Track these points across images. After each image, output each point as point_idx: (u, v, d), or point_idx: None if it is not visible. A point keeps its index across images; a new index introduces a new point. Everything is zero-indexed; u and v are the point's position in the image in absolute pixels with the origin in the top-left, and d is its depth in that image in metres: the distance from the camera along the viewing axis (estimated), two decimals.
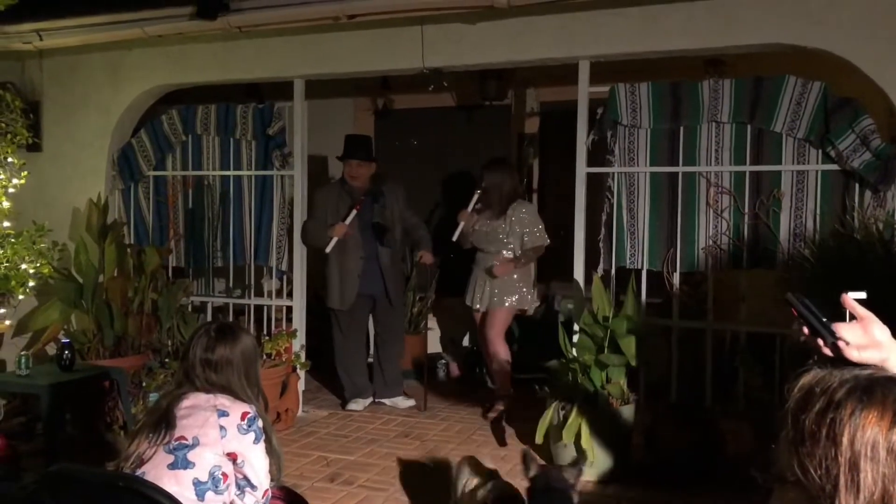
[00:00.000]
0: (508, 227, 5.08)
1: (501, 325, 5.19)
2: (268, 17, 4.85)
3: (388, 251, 5.26)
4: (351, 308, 5.27)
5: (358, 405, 5.35)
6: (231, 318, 5.69)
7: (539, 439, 4.04)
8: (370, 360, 5.69)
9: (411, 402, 5.40)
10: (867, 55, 3.93)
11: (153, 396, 4.44)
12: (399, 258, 5.52)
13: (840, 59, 4.01)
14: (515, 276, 5.12)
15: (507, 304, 5.12)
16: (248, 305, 5.65)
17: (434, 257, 5.45)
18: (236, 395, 2.38)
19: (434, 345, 6.69)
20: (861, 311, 1.38)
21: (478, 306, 5.24)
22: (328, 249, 5.10)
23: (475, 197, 5.14)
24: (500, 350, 5.17)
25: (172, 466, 2.19)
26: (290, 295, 5.46)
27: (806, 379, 1.07)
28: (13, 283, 4.82)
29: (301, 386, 5.29)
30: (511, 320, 5.35)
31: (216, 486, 2.23)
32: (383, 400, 5.45)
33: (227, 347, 2.40)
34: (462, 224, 5.15)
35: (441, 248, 5.85)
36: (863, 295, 2.24)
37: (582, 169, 4.66)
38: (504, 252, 5.10)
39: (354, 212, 5.11)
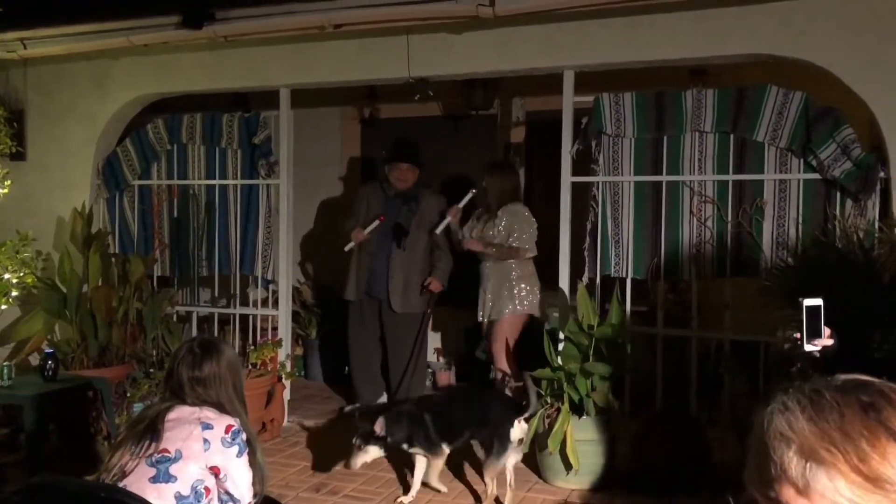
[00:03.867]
0: (495, 234, 5.03)
1: (505, 337, 5.01)
2: (253, 27, 4.86)
3: (402, 254, 5.23)
4: (360, 305, 5.31)
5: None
6: (216, 328, 5.67)
7: (525, 448, 4.05)
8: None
9: None
10: (848, 66, 3.97)
11: (137, 407, 4.42)
12: (417, 268, 5.30)
13: (821, 69, 4.05)
14: (514, 280, 4.99)
15: (506, 313, 4.98)
16: (234, 315, 5.63)
17: (440, 287, 5.28)
18: (223, 408, 2.38)
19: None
20: None
21: (480, 318, 5.14)
22: (346, 249, 5.23)
23: (468, 196, 5.14)
24: (504, 366, 5.03)
25: (154, 480, 2.18)
26: (275, 304, 5.44)
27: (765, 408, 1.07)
28: None
29: (287, 396, 5.27)
30: (520, 329, 5.08)
31: (198, 501, 2.22)
32: None
33: (213, 363, 2.40)
34: (448, 219, 5.14)
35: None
36: (819, 301, 2.34)
37: (567, 178, 4.68)
38: (490, 259, 5.06)
39: (377, 222, 5.19)
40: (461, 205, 5.17)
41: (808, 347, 2.35)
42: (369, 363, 5.43)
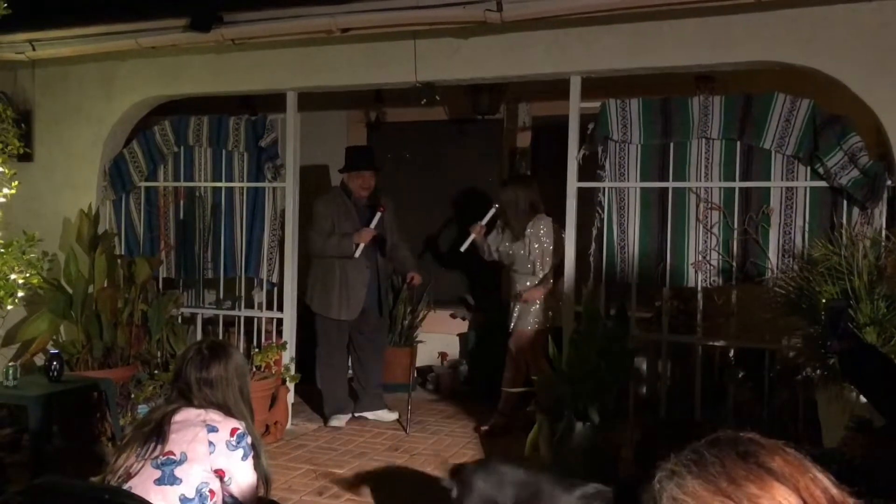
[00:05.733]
0: (528, 246, 5.06)
1: (523, 345, 5.07)
2: (261, 30, 4.87)
3: (385, 262, 5.33)
4: (344, 323, 5.27)
5: (340, 421, 5.31)
6: (221, 330, 5.68)
7: (527, 453, 4.04)
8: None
9: (395, 416, 5.39)
10: (855, 73, 3.97)
11: (142, 408, 4.43)
12: (391, 270, 5.54)
13: (828, 77, 4.05)
14: (539, 298, 5.07)
15: (529, 327, 5.06)
16: (239, 317, 5.63)
17: (421, 276, 5.51)
18: (229, 411, 2.38)
19: (425, 358, 6.68)
20: None
21: (510, 327, 5.18)
22: (357, 254, 5.09)
23: (491, 212, 5.19)
24: (512, 371, 5.11)
25: (159, 482, 2.18)
26: (280, 307, 5.44)
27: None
28: (2, 293, 4.79)
29: (290, 398, 5.27)
30: (534, 341, 5.07)
31: (203, 503, 2.22)
32: (365, 413, 5.43)
33: (221, 365, 2.42)
34: (473, 236, 5.19)
35: (432, 260, 5.88)
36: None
37: (573, 183, 4.68)
38: (531, 274, 5.07)
39: (379, 214, 5.15)
40: (484, 221, 5.21)
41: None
42: (344, 386, 5.44)
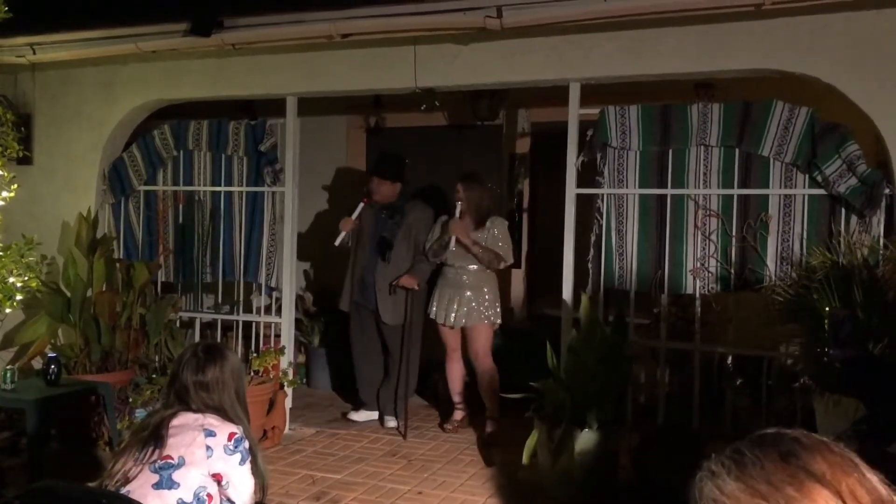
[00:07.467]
0: (488, 239, 5.07)
1: (489, 342, 5.17)
2: (262, 35, 4.88)
3: (385, 267, 5.27)
4: (356, 314, 5.38)
5: (359, 416, 5.40)
6: (219, 335, 5.67)
7: (525, 459, 4.04)
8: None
9: (393, 423, 5.39)
10: (854, 82, 3.98)
11: (139, 412, 4.42)
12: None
13: (827, 85, 4.06)
14: (489, 290, 5.13)
15: (489, 320, 5.12)
16: (237, 322, 5.63)
17: (414, 283, 5.23)
18: (226, 414, 2.39)
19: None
20: None
21: (451, 322, 5.16)
22: (337, 243, 5.26)
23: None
24: (492, 368, 5.15)
25: (157, 486, 2.19)
26: (278, 312, 5.45)
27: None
28: (0, 296, 4.79)
29: (288, 403, 5.27)
30: (491, 339, 5.22)
31: None
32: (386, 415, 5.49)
33: (217, 368, 2.41)
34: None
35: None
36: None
37: (572, 190, 4.69)
38: (472, 266, 5.10)
39: (361, 205, 5.28)
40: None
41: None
42: (367, 378, 5.46)
